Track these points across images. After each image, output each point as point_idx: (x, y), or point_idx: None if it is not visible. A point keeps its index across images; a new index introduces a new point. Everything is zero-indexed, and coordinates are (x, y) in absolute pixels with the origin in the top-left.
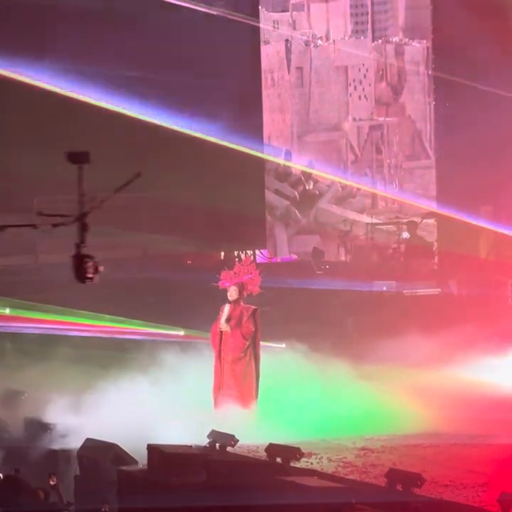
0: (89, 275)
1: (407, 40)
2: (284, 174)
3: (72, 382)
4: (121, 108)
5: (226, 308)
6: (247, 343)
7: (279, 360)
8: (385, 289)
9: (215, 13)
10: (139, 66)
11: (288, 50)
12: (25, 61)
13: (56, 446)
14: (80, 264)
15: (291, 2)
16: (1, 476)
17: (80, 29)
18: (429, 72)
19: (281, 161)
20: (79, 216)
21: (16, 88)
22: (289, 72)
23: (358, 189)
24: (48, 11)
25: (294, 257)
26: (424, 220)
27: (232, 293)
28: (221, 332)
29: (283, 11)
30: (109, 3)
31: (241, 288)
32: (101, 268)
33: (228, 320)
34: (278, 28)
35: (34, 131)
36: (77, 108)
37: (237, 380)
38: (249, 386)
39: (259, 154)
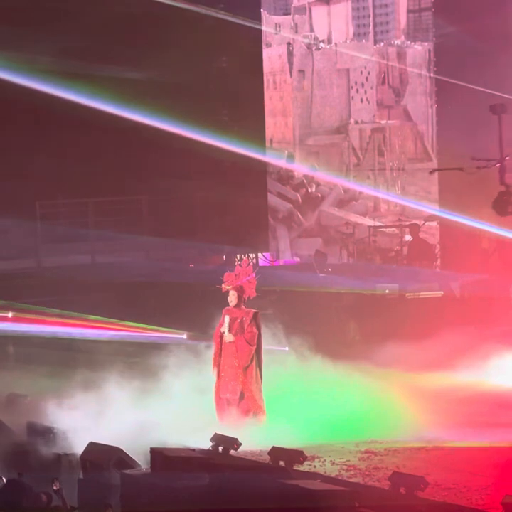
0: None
1: (408, 42)
2: (286, 177)
3: (73, 385)
4: (123, 110)
5: (226, 318)
6: (253, 348)
7: (282, 363)
8: (387, 291)
9: (216, 15)
10: (140, 69)
11: (290, 53)
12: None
13: (59, 450)
14: (504, 201)
15: (293, 5)
16: (4, 480)
17: (80, 29)
18: (431, 75)
19: (283, 164)
20: (500, 159)
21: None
22: (290, 75)
23: (361, 192)
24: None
25: (297, 259)
26: (427, 223)
27: (232, 298)
28: (221, 337)
29: (285, 14)
30: (110, 3)
31: (240, 292)
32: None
33: (230, 328)
34: (280, 31)
35: (35, 133)
36: (78, 109)
37: (247, 388)
38: (258, 393)
39: (261, 157)
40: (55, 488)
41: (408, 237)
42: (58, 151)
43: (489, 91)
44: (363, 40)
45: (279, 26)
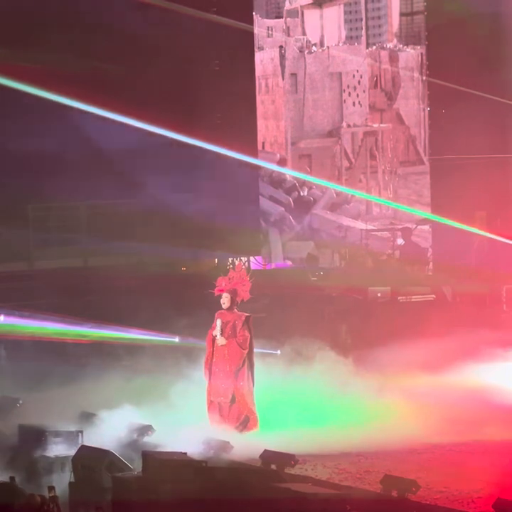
0: None
1: (401, 46)
2: (278, 180)
3: (66, 389)
4: (117, 113)
5: (218, 322)
6: (245, 351)
7: (274, 366)
8: (379, 295)
9: (209, 18)
10: (133, 72)
11: (282, 57)
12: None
13: (51, 453)
14: None
15: (285, 9)
16: None
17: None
18: (424, 78)
19: (275, 167)
20: None
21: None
22: (283, 79)
23: (353, 195)
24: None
25: (289, 263)
26: (419, 226)
27: (225, 301)
28: (214, 340)
29: (277, 18)
30: (110, 6)
31: (233, 295)
32: None
33: (223, 332)
34: (272, 34)
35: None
36: (73, 111)
37: (239, 392)
38: (249, 396)
39: (253, 161)
40: (50, 495)
41: (400, 241)
42: (52, 153)
43: (481, 94)
44: (356, 44)
45: (272, 29)
